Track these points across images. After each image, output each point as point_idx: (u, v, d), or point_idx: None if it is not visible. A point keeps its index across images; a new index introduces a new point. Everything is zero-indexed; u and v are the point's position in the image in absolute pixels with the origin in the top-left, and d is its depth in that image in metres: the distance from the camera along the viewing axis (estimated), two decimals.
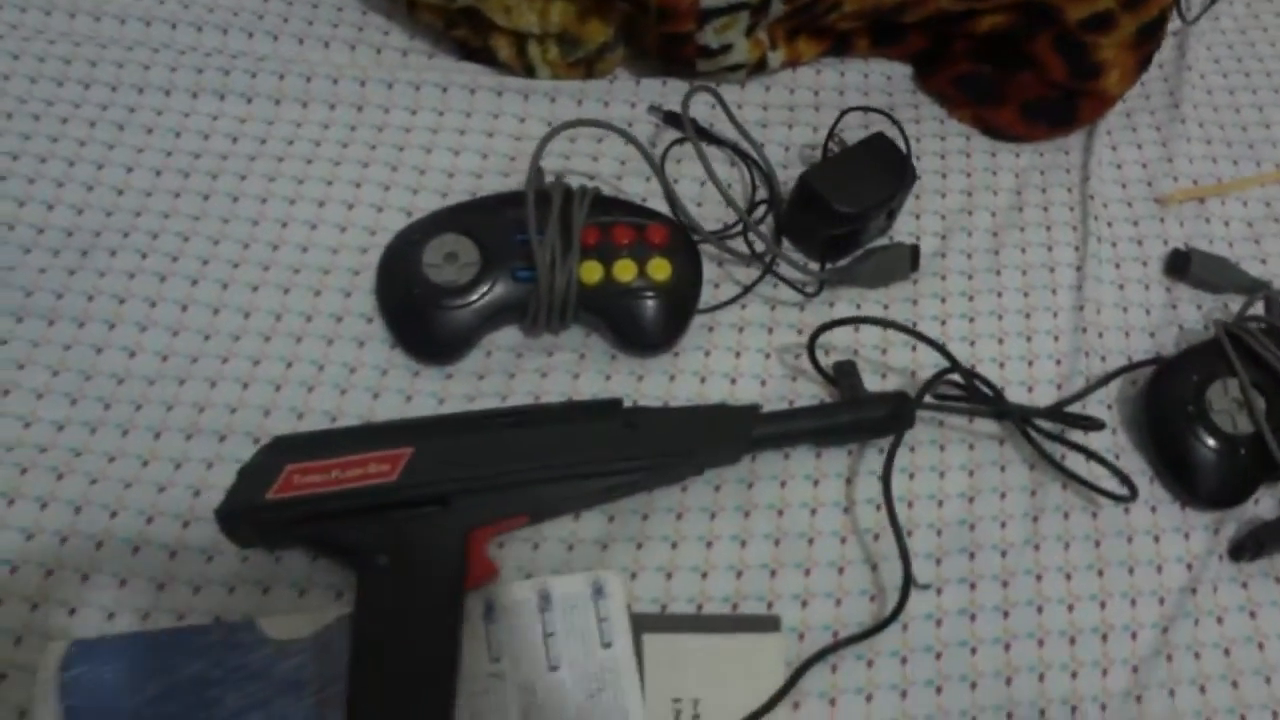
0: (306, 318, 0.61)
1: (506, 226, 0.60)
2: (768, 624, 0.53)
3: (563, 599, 0.53)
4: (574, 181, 0.62)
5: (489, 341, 0.61)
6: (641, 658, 0.52)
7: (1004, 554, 0.56)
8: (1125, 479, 0.56)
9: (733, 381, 0.61)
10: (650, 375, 0.60)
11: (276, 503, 0.50)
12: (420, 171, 0.67)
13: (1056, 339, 0.64)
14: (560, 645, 0.52)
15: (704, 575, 0.54)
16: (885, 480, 0.54)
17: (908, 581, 0.52)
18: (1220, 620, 0.55)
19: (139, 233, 0.63)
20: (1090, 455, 0.57)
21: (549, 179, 0.62)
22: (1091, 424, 0.58)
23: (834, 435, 0.57)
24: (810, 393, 0.60)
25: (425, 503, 0.51)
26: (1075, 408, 0.59)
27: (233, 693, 0.50)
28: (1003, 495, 0.58)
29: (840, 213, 0.62)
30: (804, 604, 0.54)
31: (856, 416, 0.57)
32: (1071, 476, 0.57)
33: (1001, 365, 0.62)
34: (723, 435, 0.55)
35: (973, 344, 0.63)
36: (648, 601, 0.53)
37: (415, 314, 0.59)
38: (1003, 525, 0.57)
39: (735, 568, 0.55)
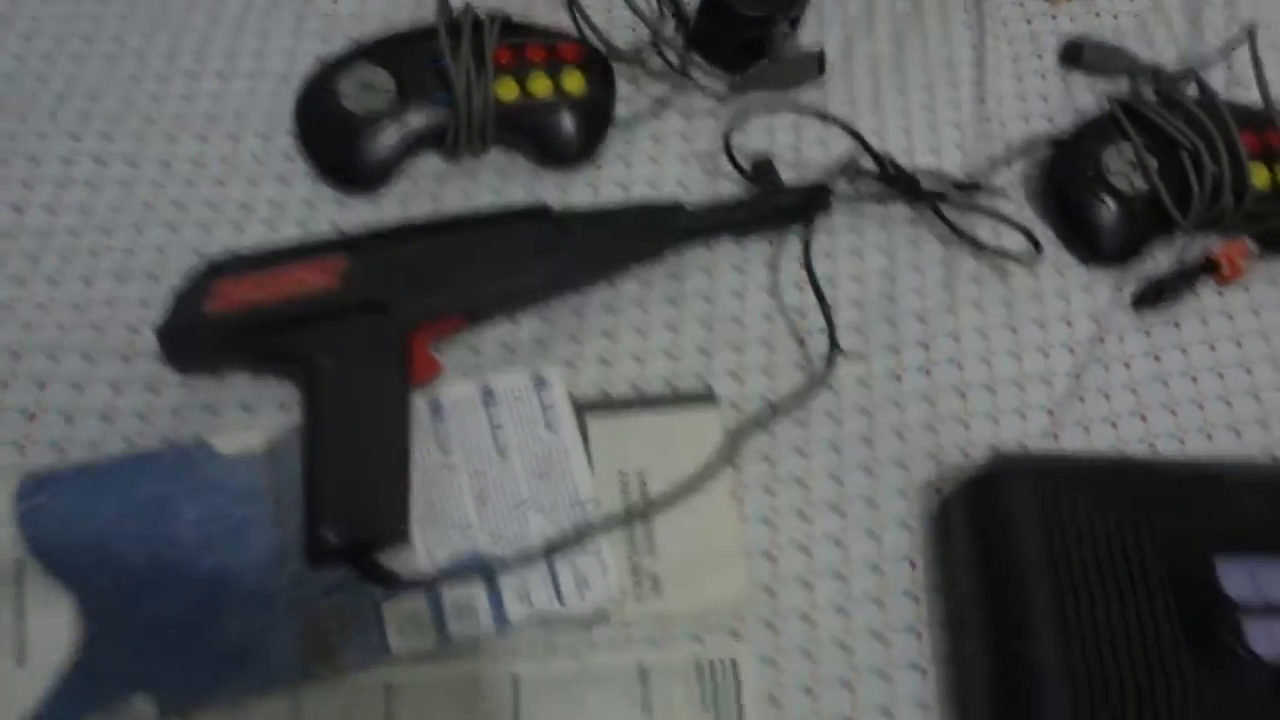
0: (228, 163, 0.61)
1: (420, 55, 0.61)
2: (705, 398, 0.55)
3: (506, 392, 0.54)
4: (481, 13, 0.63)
5: (413, 169, 0.62)
6: (587, 439, 0.54)
7: (923, 320, 0.59)
8: (1030, 236, 0.59)
9: (655, 188, 0.62)
10: (574, 188, 0.62)
11: (216, 316, 0.51)
12: (328, 16, 0.67)
13: (960, 129, 0.66)
14: (507, 435, 0.53)
15: (641, 362, 0.56)
16: (805, 255, 0.57)
17: (834, 344, 0.55)
18: (1128, 365, 0.59)
19: (47, 94, 0.63)
20: (998, 218, 0.60)
21: (456, 10, 0.63)
22: (996, 190, 0.61)
23: (756, 224, 0.59)
24: (731, 192, 0.62)
25: (365, 307, 0.52)
26: None
27: (191, 505, 0.51)
28: (919, 269, 0.61)
29: (747, 16, 0.63)
30: (738, 379, 0.56)
31: (777, 204, 0.59)
32: (982, 245, 0.60)
33: (910, 156, 0.65)
34: (651, 228, 0.57)
35: (881, 138, 0.65)
36: (588, 389, 0.55)
37: (337, 143, 0.60)
38: (921, 295, 0.60)
39: (670, 353, 0.57)
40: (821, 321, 0.58)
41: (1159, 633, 0.45)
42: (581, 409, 0.55)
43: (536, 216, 0.56)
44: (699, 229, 0.58)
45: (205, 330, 0.51)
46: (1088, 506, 0.48)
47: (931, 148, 0.66)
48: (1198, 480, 0.49)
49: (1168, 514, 0.48)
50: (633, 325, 0.57)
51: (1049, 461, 0.51)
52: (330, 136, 0.60)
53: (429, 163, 0.62)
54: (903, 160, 0.64)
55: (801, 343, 0.57)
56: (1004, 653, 0.46)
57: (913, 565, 0.52)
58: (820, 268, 0.60)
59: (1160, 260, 0.62)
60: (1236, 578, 0.47)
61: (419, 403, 0.53)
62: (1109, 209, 0.61)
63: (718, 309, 0.58)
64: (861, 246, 0.61)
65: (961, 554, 0.50)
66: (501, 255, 0.54)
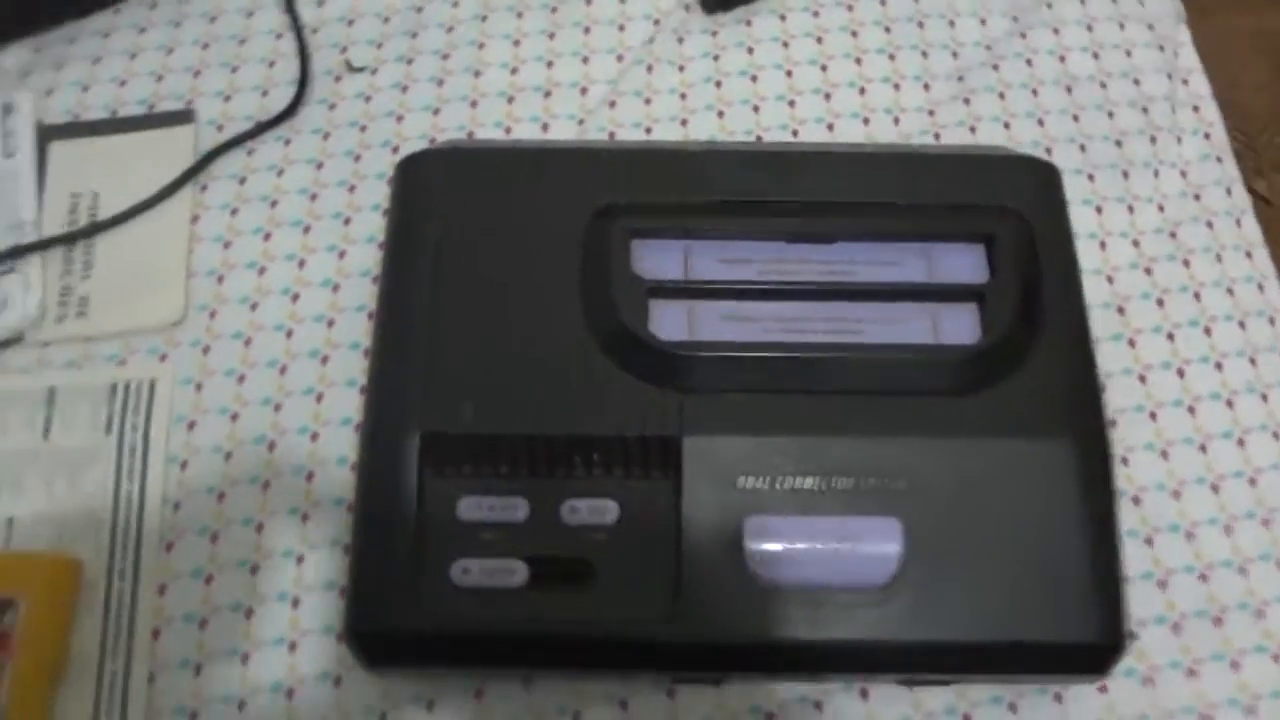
0: None
1: None
2: (180, 118, 0.51)
3: None
4: None
5: None
6: (46, 164, 0.49)
7: (450, 29, 0.53)
8: None
9: None
10: None
11: None
12: None
13: None
14: None
15: (123, 84, 0.52)
16: None
17: (304, 64, 0.49)
18: (682, 68, 0.52)
19: None
20: None
21: None
22: None
23: None
24: None
25: None
26: None
27: None
28: None
29: None
30: (227, 99, 0.51)
31: None
32: None
33: None
34: None
35: None
36: (60, 113, 0.51)
37: None
38: (454, 4, 0.54)
39: (156, 74, 0.52)
40: (336, 37, 0.52)
41: (555, 314, 0.40)
42: (48, 133, 0.50)
43: None
44: None
45: None
46: (509, 189, 0.42)
47: None
48: (651, 162, 0.43)
49: (601, 197, 0.42)
50: (124, 49, 0.52)
51: (480, 146, 0.45)
52: None
53: None
54: None
55: (306, 60, 0.52)
56: (383, 343, 0.41)
57: (375, 283, 0.47)
58: None
59: None
60: (656, 259, 0.41)
61: None
62: None
63: (222, 28, 0.53)
64: None
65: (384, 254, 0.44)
66: None
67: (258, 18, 0.53)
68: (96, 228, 0.48)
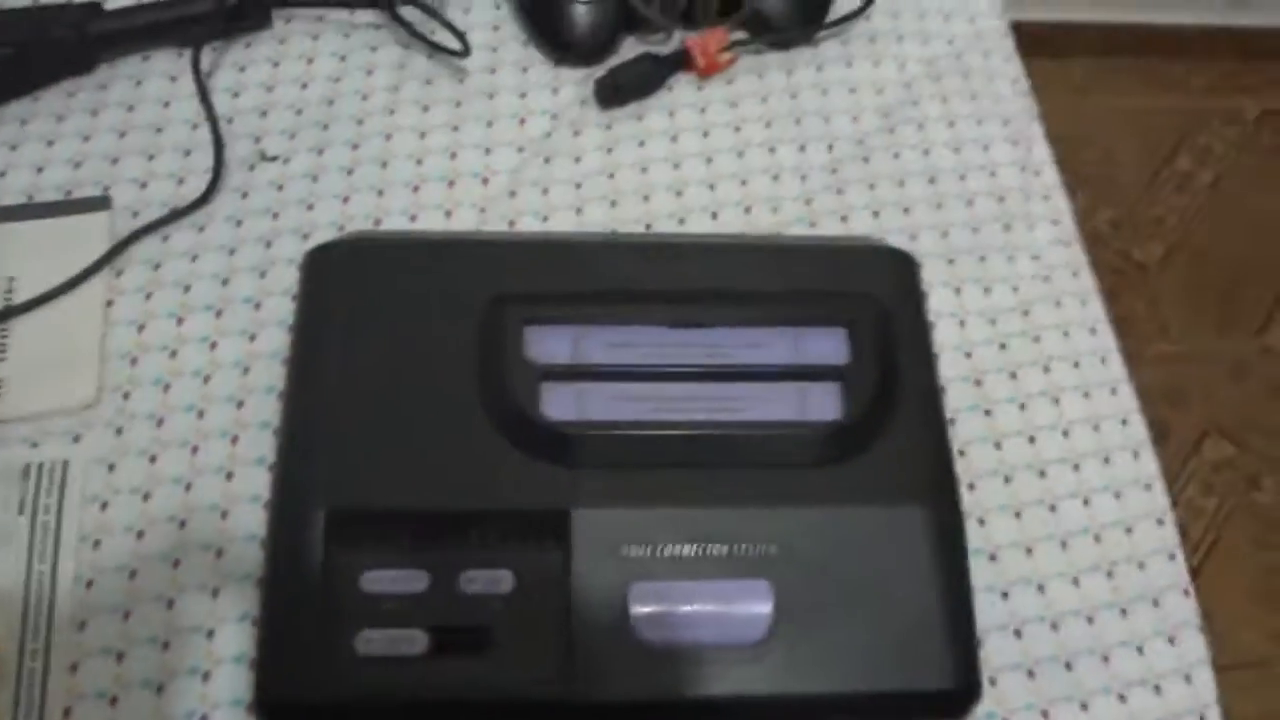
0: None
1: None
2: (96, 204, 0.53)
3: None
4: None
5: None
6: None
7: (360, 122, 0.56)
8: (457, 32, 0.56)
9: None
10: None
11: None
12: None
13: None
14: None
15: (40, 170, 0.54)
16: (195, 62, 0.54)
17: (219, 153, 0.52)
18: (578, 160, 0.56)
19: None
20: (427, 11, 0.57)
21: None
22: None
23: (181, 29, 0.56)
24: None
25: None
26: None
27: None
28: (370, 72, 0.58)
29: None
30: (143, 185, 0.54)
31: (193, 10, 0.56)
32: (415, 34, 0.57)
33: None
34: (54, 29, 0.54)
35: None
36: None
37: None
38: (364, 98, 0.57)
39: (74, 161, 0.54)
40: (250, 127, 0.55)
41: (454, 397, 0.43)
42: None
43: None
44: (118, 32, 0.55)
45: None
46: (411, 278, 0.45)
47: None
48: (543, 253, 0.47)
49: (497, 286, 0.45)
50: (42, 136, 0.55)
51: (384, 238, 0.48)
52: None
53: None
54: None
55: (222, 149, 0.54)
56: (291, 423, 0.43)
57: (285, 364, 0.49)
58: (261, 75, 0.57)
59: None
60: (547, 344, 0.44)
61: None
62: (578, 5, 0.57)
63: (139, 117, 0.56)
64: (314, 52, 0.58)
65: (293, 340, 0.47)
66: None
67: (174, 107, 0.56)
68: (11, 311, 0.50)
